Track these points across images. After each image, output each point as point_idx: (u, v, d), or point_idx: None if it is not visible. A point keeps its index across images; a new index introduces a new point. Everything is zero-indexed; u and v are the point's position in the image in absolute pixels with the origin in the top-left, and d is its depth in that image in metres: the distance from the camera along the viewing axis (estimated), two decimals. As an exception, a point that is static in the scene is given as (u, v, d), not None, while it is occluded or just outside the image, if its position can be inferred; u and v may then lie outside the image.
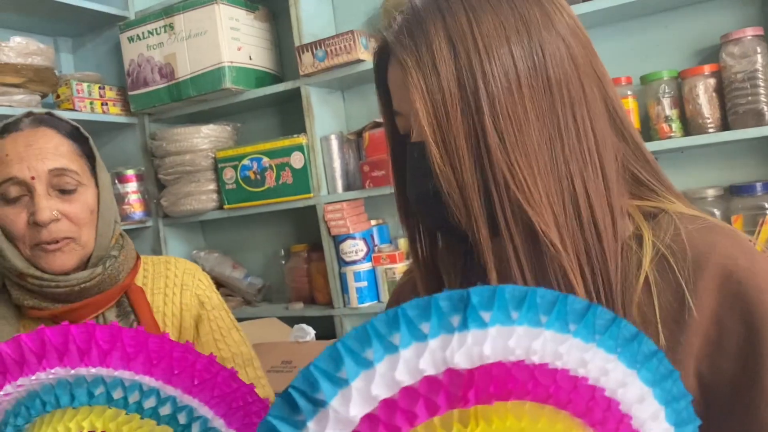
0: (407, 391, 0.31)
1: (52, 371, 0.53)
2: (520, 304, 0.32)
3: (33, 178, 1.00)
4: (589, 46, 0.65)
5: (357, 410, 0.31)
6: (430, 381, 0.31)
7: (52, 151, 1.02)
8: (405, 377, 0.31)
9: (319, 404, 0.32)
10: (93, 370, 0.53)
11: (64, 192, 1.03)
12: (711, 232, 0.61)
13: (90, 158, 1.10)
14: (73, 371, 0.53)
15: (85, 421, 0.53)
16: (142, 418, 0.54)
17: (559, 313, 0.32)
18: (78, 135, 1.10)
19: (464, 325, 0.31)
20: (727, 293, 0.58)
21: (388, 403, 0.31)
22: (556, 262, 0.59)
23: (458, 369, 0.31)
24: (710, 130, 1.76)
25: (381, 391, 0.31)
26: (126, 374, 0.54)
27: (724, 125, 1.76)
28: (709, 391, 0.59)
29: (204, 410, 0.55)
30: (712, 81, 1.76)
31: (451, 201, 0.61)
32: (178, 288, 1.16)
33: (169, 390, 0.54)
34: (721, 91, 1.76)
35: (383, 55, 0.69)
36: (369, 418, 0.32)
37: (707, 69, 1.76)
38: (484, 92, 0.59)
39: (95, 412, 0.53)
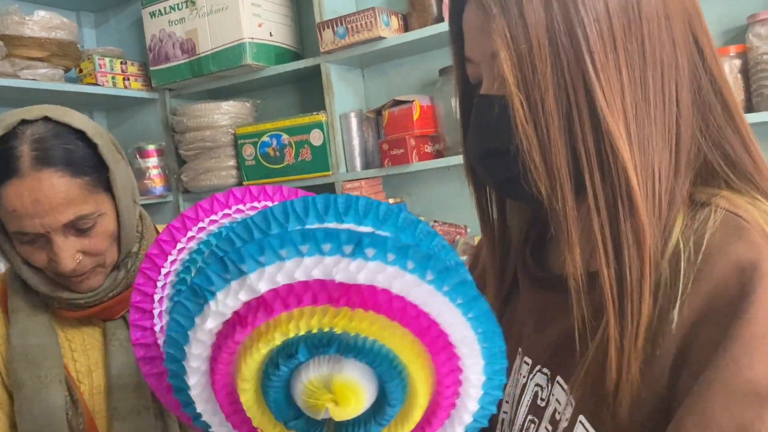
0: (293, 286, 0.43)
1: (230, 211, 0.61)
2: (398, 251, 0.42)
3: (48, 232, 0.92)
4: (690, 3, 0.57)
5: (264, 286, 0.43)
6: (317, 283, 0.43)
7: (62, 203, 0.90)
8: (301, 276, 0.43)
9: (239, 274, 0.43)
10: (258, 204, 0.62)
11: (82, 230, 0.94)
12: (734, 235, 0.52)
13: (102, 171, 0.96)
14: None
15: None
16: None
17: (423, 265, 0.43)
18: (85, 157, 0.94)
19: (353, 255, 0.42)
20: (713, 309, 0.50)
21: (284, 289, 0.43)
22: (640, 239, 0.53)
23: (337, 281, 0.43)
24: (734, 113, 1.73)
25: (283, 279, 0.43)
26: None
27: (749, 107, 1.74)
28: (670, 396, 0.52)
29: None
30: (737, 62, 1.73)
31: (531, 163, 0.55)
32: None
33: None
34: (746, 72, 1.73)
35: None
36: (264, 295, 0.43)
37: (733, 50, 1.73)
38: (585, 46, 0.52)
39: None
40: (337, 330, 0.43)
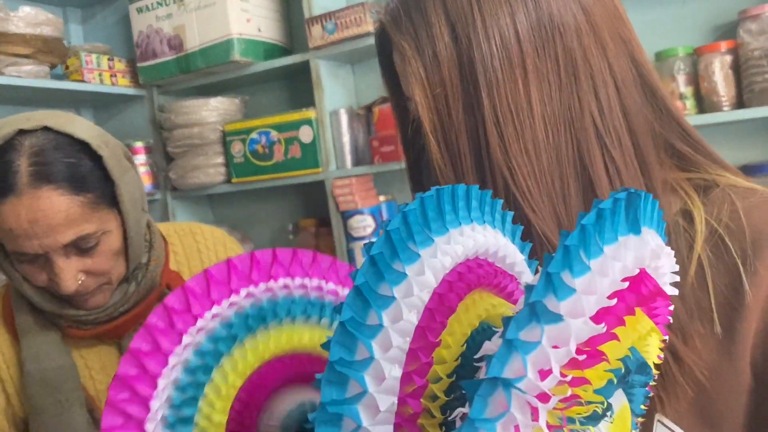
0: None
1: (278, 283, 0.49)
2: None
3: (47, 252, 0.87)
4: (612, 7, 0.57)
5: (590, 309, 0.28)
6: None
7: (62, 223, 0.84)
8: (618, 278, 0.31)
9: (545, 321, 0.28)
10: (310, 282, 0.49)
11: (85, 249, 0.89)
12: (766, 203, 0.55)
13: (108, 184, 0.90)
14: (294, 282, 0.49)
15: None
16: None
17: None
18: (88, 172, 0.87)
19: (635, 232, 0.32)
20: None
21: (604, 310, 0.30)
22: None
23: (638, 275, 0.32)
24: (725, 109, 1.73)
25: (609, 287, 0.30)
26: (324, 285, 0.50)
27: (739, 103, 1.73)
28: (761, 381, 0.53)
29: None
30: (728, 58, 1.73)
31: None
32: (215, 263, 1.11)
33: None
34: (737, 68, 1.73)
35: (386, 37, 0.61)
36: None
37: (724, 46, 1.72)
38: (483, 80, 0.52)
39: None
40: (641, 348, 0.31)
